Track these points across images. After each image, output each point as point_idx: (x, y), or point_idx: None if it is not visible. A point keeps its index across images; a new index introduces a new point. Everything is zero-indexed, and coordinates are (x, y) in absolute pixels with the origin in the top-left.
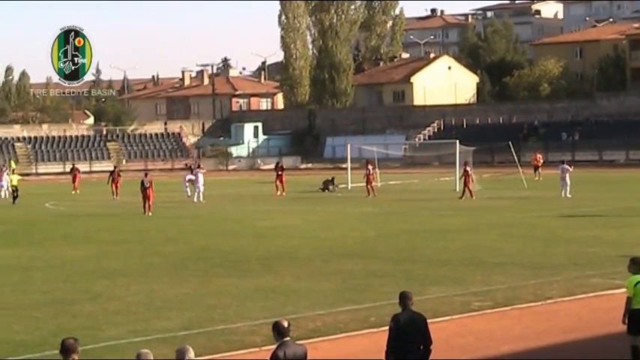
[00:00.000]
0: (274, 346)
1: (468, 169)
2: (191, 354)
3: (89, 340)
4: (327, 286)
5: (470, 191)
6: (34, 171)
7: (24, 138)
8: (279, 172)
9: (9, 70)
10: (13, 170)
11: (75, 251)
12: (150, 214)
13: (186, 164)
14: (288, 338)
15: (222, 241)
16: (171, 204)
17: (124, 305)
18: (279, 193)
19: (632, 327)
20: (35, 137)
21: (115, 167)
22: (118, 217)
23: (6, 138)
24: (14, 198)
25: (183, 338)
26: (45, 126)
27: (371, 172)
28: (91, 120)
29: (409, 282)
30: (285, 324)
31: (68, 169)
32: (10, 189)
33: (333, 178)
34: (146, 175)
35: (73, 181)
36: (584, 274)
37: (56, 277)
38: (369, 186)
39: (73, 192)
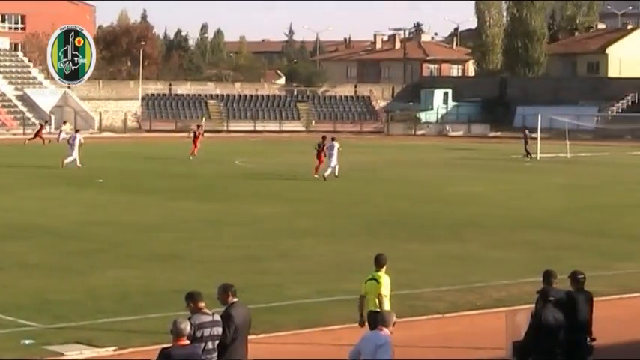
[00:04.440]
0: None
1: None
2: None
3: (276, 297)
4: (514, 256)
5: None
6: (225, 128)
7: (217, 95)
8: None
9: (204, 28)
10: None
11: (265, 209)
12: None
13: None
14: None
15: (409, 206)
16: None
17: (311, 265)
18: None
19: None
20: (228, 95)
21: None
22: (307, 178)
23: (199, 95)
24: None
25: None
26: (237, 84)
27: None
28: (282, 80)
29: (598, 256)
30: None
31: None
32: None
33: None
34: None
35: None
36: None
37: (246, 233)
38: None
39: (191, 157)
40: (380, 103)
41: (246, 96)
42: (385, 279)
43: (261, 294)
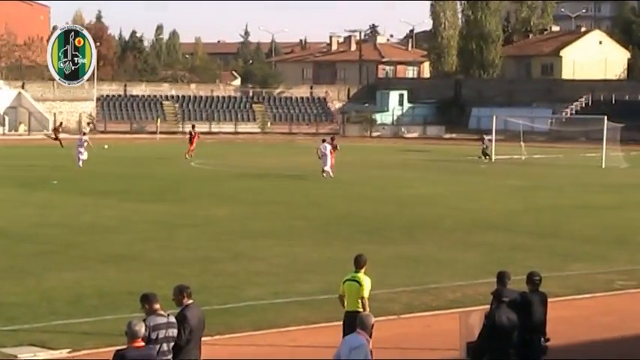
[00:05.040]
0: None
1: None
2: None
3: (231, 299)
4: (469, 258)
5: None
6: (180, 129)
7: (172, 97)
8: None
9: (159, 29)
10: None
11: (220, 210)
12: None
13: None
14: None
15: (365, 207)
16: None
17: (266, 266)
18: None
19: None
20: (183, 96)
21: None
22: (263, 179)
23: (155, 96)
24: None
25: (322, 302)
26: (193, 85)
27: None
28: (237, 81)
29: (552, 257)
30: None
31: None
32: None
33: None
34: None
35: (191, 144)
36: None
37: (201, 235)
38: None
39: (187, 156)
40: (335, 105)
41: (201, 97)
42: (367, 281)
43: (216, 295)
